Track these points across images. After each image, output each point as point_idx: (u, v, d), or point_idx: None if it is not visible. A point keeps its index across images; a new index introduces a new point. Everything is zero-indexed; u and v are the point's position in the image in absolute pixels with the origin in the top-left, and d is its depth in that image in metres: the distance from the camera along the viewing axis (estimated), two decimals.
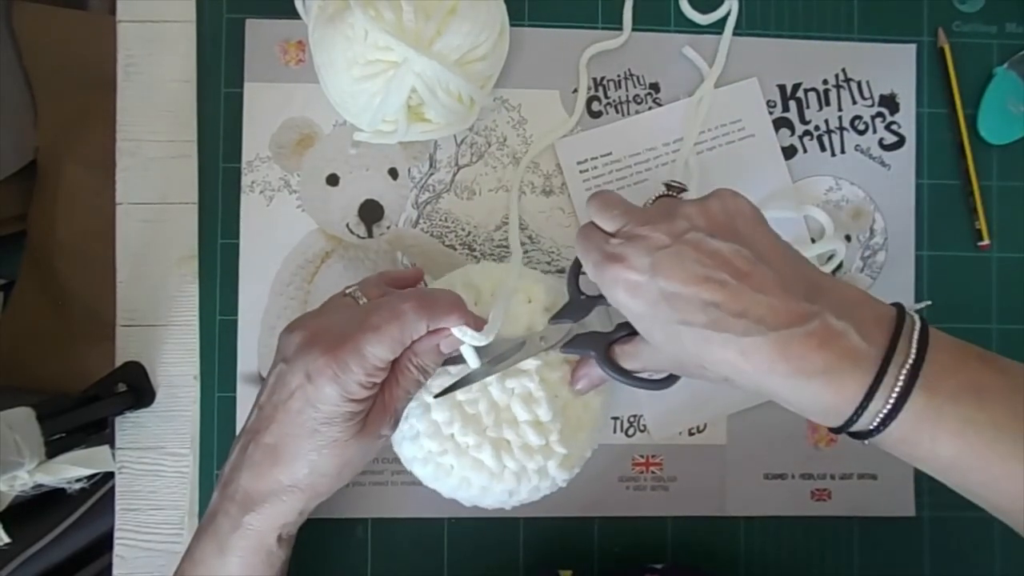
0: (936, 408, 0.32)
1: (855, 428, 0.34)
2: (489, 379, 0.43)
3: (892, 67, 0.53)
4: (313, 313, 0.43)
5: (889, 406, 0.32)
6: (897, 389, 0.32)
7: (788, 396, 0.34)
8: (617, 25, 0.53)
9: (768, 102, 0.53)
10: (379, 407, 0.40)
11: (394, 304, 0.39)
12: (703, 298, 0.34)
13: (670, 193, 0.42)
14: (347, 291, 0.43)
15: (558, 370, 0.45)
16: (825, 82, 0.54)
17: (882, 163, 0.54)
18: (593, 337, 0.43)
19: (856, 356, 0.33)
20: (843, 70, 0.54)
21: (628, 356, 0.41)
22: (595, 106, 0.53)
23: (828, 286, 0.35)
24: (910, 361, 0.32)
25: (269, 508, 0.39)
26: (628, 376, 0.42)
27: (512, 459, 0.43)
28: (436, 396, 0.43)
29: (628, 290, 0.36)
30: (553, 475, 0.45)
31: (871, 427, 0.33)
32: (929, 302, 0.52)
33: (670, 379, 0.42)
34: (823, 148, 0.53)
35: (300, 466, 0.39)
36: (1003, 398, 0.32)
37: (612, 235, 0.38)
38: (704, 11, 0.53)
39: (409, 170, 0.52)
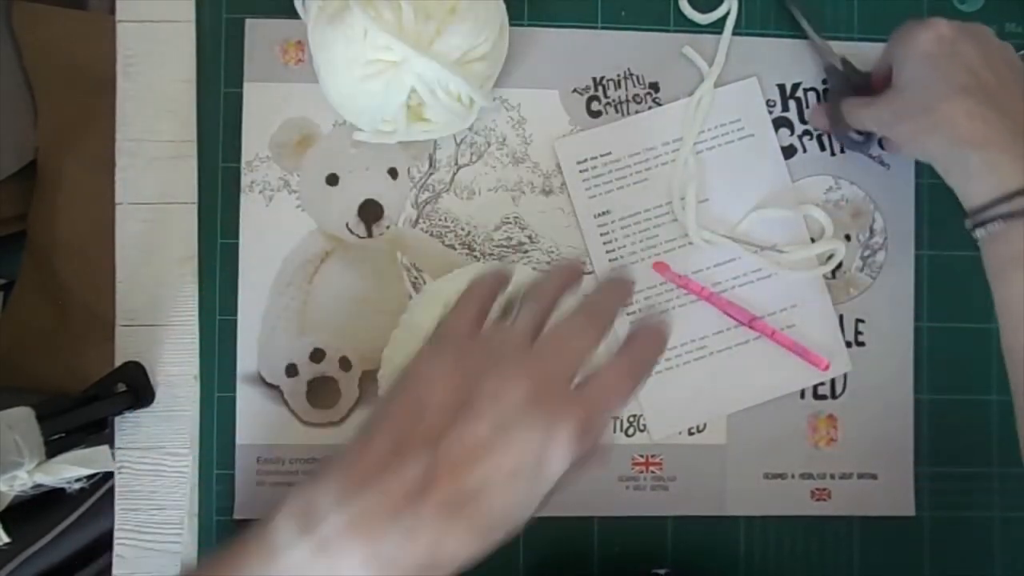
0: None
1: (999, 209, 0.42)
2: None
3: None
4: (500, 360, 0.34)
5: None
6: None
7: (975, 166, 0.43)
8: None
9: (768, 102, 0.53)
10: None
11: (621, 379, 0.34)
12: (979, 73, 0.44)
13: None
14: (512, 321, 0.36)
15: None
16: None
17: (882, 163, 0.54)
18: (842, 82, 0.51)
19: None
20: None
21: (856, 111, 0.49)
22: (595, 106, 0.53)
23: None
24: None
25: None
26: (839, 128, 0.51)
27: None
28: None
29: (934, 38, 0.45)
30: None
31: (1015, 211, 0.41)
32: None
33: (868, 142, 0.52)
34: (823, 148, 0.53)
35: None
36: None
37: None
38: (704, 11, 0.53)
39: (409, 170, 0.52)
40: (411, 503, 0.30)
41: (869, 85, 0.52)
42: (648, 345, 0.36)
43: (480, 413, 0.31)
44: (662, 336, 0.36)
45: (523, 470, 0.31)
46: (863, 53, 0.53)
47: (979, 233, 0.43)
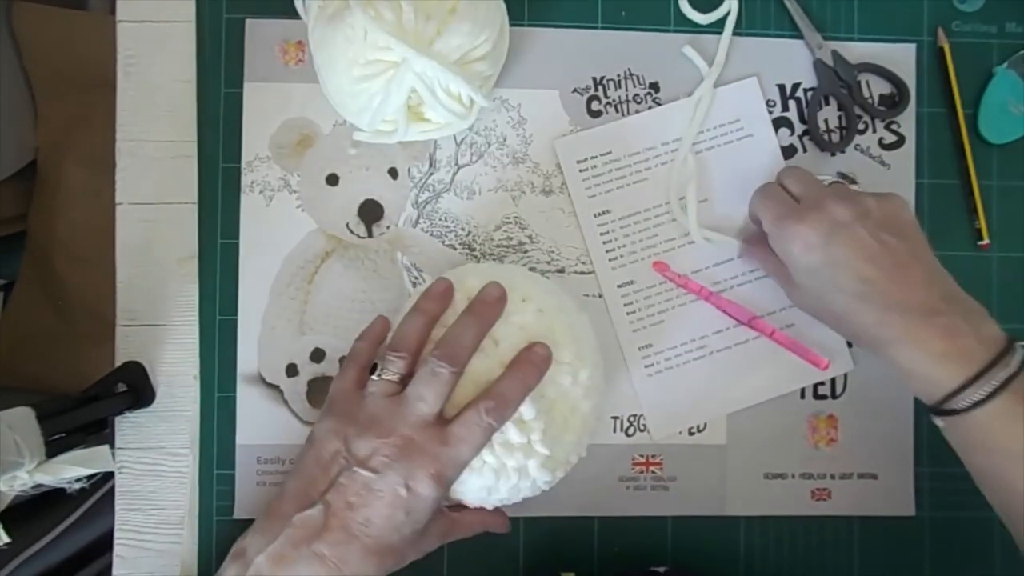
0: (1013, 409, 0.40)
1: (948, 405, 0.41)
2: None
3: (892, 67, 0.53)
4: (371, 417, 0.42)
5: (982, 394, 0.40)
6: (994, 383, 0.40)
7: (904, 363, 0.42)
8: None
9: (768, 102, 0.53)
10: None
11: (480, 419, 0.41)
12: (863, 274, 0.42)
13: (842, 181, 0.51)
14: (378, 375, 0.43)
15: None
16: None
17: (882, 163, 0.54)
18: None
19: (970, 354, 0.40)
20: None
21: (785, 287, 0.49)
22: (595, 105, 0.53)
23: (962, 297, 0.43)
24: (1010, 371, 0.40)
25: None
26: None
27: (491, 454, 0.43)
28: None
29: (803, 248, 0.43)
30: (534, 476, 0.44)
31: (962, 407, 0.40)
32: None
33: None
34: (823, 148, 0.53)
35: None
36: None
37: (796, 199, 0.45)
38: (704, 11, 0.53)
39: (409, 170, 0.52)
40: (314, 539, 0.39)
41: (855, 86, 0.53)
42: (516, 378, 0.42)
43: (357, 467, 0.40)
44: (535, 366, 0.42)
45: (397, 505, 0.40)
46: (860, 52, 0.53)
47: (937, 422, 0.43)
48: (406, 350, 0.43)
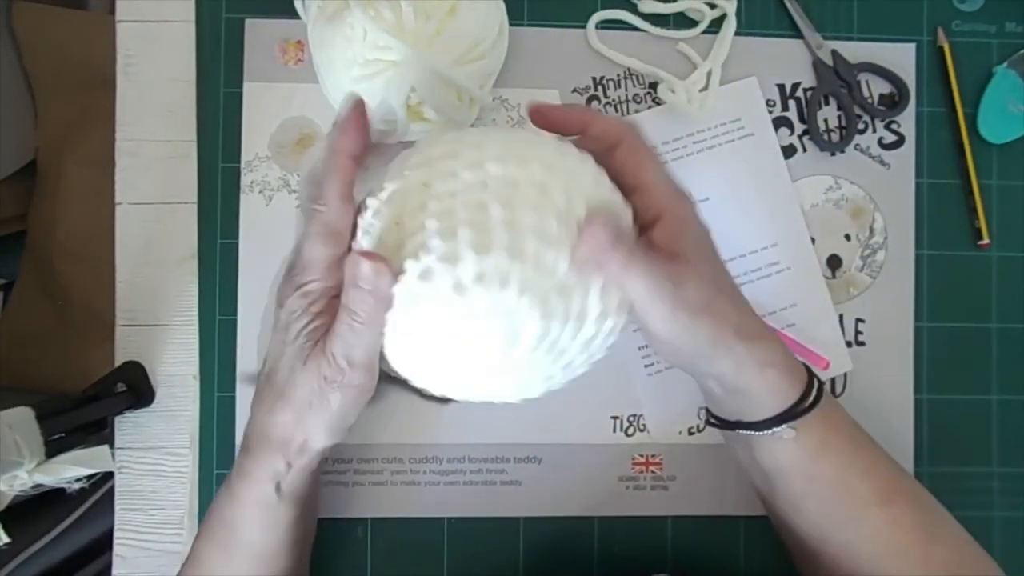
0: (831, 422, 0.41)
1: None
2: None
3: (892, 66, 0.53)
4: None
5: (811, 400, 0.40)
6: (810, 399, 0.40)
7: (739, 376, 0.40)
8: (617, 26, 0.53)
9: (768, 102, 0.53)
10: None
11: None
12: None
13: None
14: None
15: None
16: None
17: (882, 162, 0.54)
18: None
19: (794, 375, 0.40)
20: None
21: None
22: (595, 105, 0.53)
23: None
24: (812, 395, 0.40)
25: (257, 450, 0.39)
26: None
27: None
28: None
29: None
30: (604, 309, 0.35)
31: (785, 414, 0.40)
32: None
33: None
34: (822, 148, 0.53)
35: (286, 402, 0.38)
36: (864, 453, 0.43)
37: None
38: (703, 10, 0.53)
39: None
40: (265, 420, 0.38)
41: (854, 86, 0.53)
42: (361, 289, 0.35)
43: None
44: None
45: (314, 395, 0.37)
46: (859, 52, 0.53)
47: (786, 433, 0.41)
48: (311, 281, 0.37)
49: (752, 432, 0.41)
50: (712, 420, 0.45)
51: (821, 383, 0.42)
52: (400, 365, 0.38)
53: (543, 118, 0.39)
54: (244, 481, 0.39)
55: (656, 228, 0.37)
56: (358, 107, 0.39)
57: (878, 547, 0.41)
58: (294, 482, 0.39)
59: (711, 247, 0.40)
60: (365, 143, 0.38)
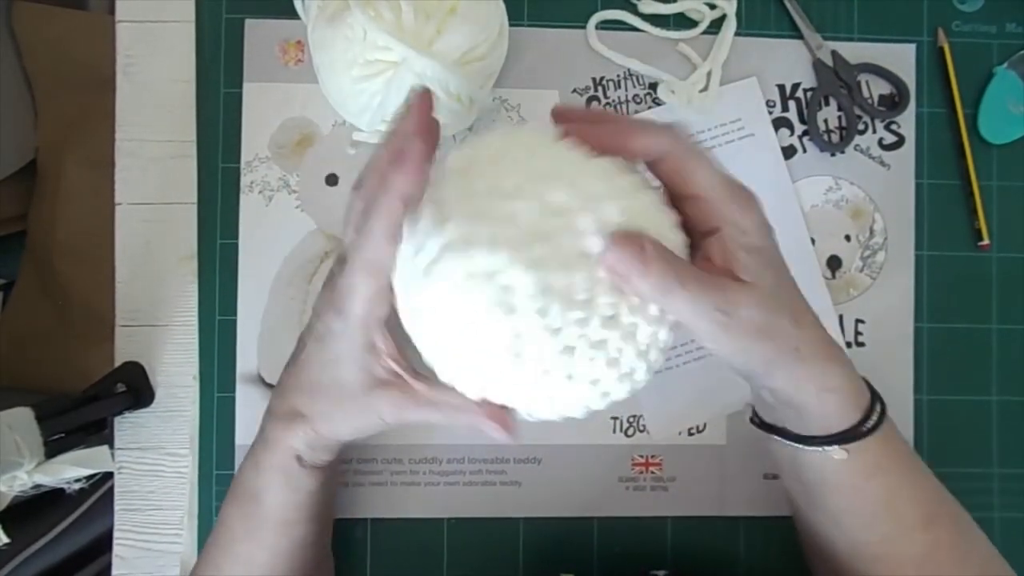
0: (887, 446, 0.39)
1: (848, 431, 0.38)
2: None
3: (892, 67, 0.53)
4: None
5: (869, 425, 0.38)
6: (870, 423, 0.38)
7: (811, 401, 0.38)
8: (617, 26, 0.53)
9: (768, 102, 0.53)
10: None
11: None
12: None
13: None
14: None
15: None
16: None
17: (882, 163, 0.54)
18: None
19: (855, 400, 0.38)
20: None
21: None
22: (595, 106, 0.53)
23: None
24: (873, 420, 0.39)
25: (281, 421, 0.39)
26: None
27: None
28: None
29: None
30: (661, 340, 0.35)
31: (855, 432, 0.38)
32: None
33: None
34: (822, 148, 0.53)
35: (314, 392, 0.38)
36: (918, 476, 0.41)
37: None
38: (703, 11, 0.53)
39: None
40: (294, 397, 0.39)
41: (854, 86, 0.52)
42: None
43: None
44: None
45: (343, 383, 0.37)
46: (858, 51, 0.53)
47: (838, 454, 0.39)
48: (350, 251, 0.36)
49: (799, 446, 0.39)
50: (755, 420, 0.42)
51: (884, 406, 0.39)
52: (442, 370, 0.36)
53: (583, 140, 0.35)
54: (267, 449, 0.40)
55: (712, 242, 0.35)
56: (425, 139, 0.33)
57: (910, 569, 0.39)
58: (315, 457, 0.40)
59: (773, 258, 0.36)
60: (422, 186, 0.33)
